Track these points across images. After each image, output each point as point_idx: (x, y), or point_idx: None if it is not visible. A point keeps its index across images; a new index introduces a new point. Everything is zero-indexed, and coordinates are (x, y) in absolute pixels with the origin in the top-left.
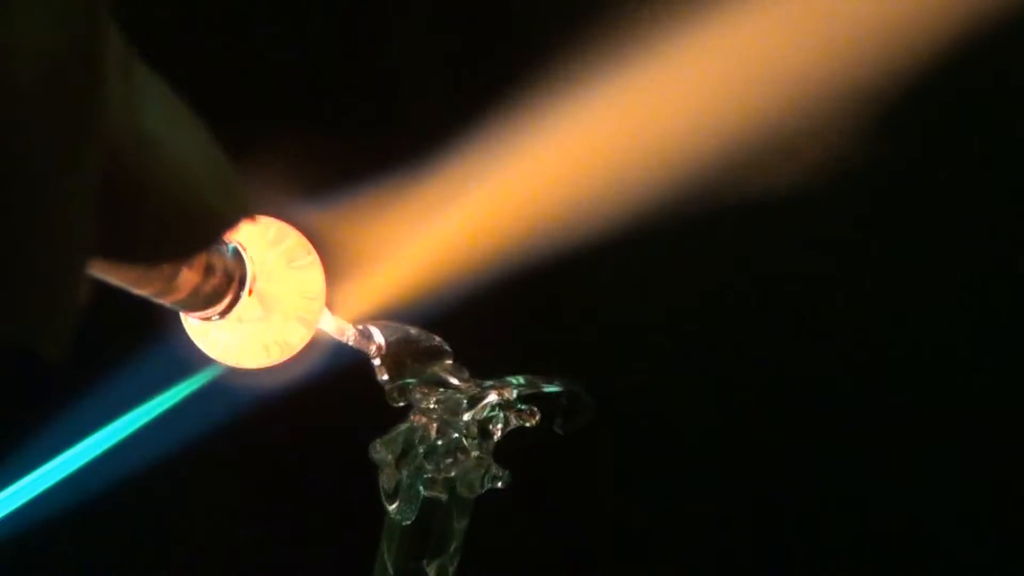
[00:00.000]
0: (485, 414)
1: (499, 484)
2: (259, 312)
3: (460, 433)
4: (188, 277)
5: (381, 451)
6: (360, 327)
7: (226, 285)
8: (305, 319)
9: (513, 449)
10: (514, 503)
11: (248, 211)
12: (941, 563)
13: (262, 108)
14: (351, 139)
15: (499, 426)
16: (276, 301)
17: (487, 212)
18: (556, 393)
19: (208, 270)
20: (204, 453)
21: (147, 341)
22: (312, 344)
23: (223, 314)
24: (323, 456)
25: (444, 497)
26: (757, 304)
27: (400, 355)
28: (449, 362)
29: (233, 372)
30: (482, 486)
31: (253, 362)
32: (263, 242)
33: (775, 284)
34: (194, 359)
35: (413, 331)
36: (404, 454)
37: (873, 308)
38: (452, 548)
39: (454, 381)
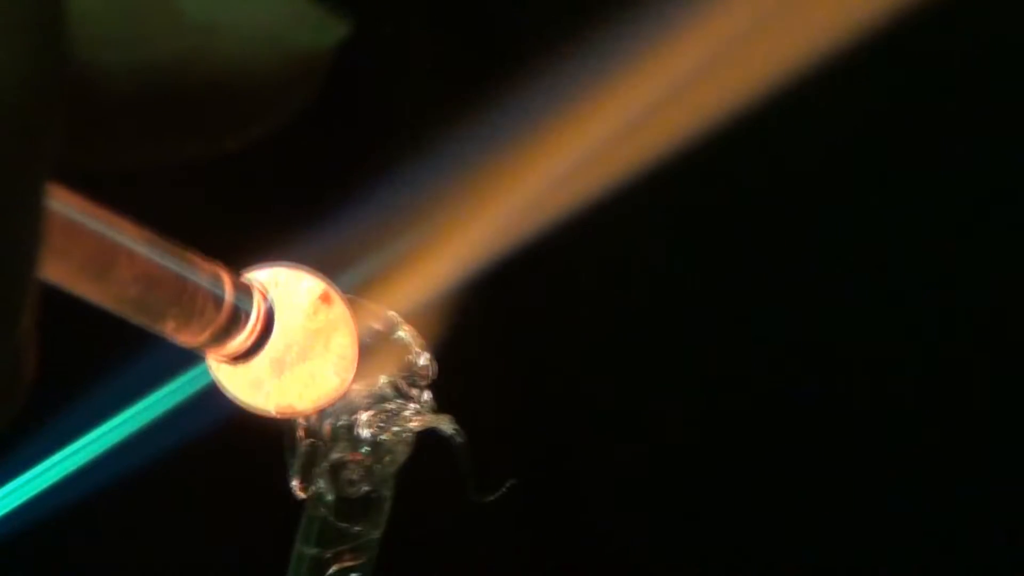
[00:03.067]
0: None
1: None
2: (287, 358)
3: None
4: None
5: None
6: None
7: (239, 321)
8: (335, 375)
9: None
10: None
11: (337, 34)
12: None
13: None
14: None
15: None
16: (303, 352)
17: (487, 215)
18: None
19: (216, 297)
20: (198, 456)
21: (139, 343)
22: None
23: (246, 357)
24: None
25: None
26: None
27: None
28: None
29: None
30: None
31: (276, 409)
32: (288, 290)
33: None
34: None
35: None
36: (309, 470)
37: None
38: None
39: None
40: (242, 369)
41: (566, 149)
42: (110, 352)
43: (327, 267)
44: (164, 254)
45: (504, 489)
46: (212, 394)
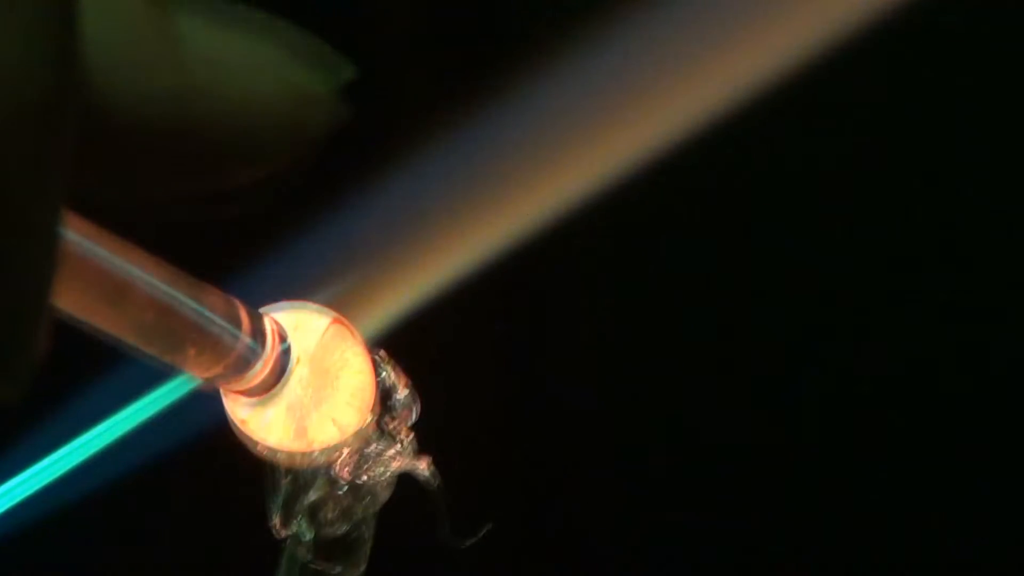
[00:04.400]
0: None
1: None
2: (303, 396)
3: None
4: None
5: (288, 524)
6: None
7: (253, 357)
8: (350, 414)
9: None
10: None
11: (347, 80)
12: None
13: None
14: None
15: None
16: (319, 391)
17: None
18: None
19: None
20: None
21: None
22: None
23: (259, 393)
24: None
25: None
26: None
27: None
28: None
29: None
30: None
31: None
32: (306, 328)
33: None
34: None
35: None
36: (289, 509)
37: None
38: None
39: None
40: (256, 408)
41: (559, 158)
42: (90, 362)
43: (312, 281)
44: (178, 287)
45: (480, 535)
46: (192, 407)
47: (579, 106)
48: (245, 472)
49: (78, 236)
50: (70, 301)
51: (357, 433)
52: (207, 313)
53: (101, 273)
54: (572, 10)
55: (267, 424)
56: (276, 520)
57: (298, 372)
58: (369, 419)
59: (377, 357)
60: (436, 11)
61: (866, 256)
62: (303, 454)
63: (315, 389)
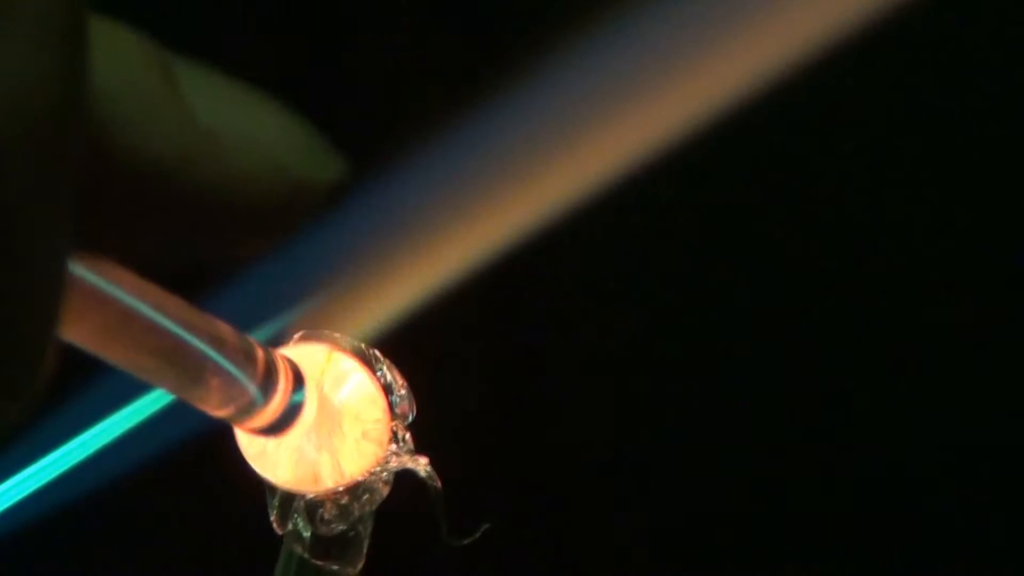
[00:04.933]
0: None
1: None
2: (315, 436)
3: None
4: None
5: (286, 521)
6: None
7: (265, 397)
8: (364, 454)
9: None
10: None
11: (337, 173)
12: None
13: None
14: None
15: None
16: (332, 430)
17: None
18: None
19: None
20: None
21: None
22: None
23: (273, 432)
24: None
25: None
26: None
27: None
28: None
29: None
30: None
31: (303, 487)
32: (320, 366)
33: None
34: None
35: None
36: (287, 507)
37: None
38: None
39: None
40: (270, 446)
41: (557, 158)
42: (87, 362)
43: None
44: (189, 325)
45: (478, 534)
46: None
47: (577, 105)
48: (247, 470)
49: (82, 270)
50: (72, 334)
51: (373, 467)
52: (218, 355)
53: (107, 306)
54: (570, 9)
55: (276, 463)
56: (274, 518)
57: (308, 412)
58: (383, 453)
59: (373, 356)
60: (430, 10)
61: (864, 256)
62: (326, 490)
63: (326, 431)
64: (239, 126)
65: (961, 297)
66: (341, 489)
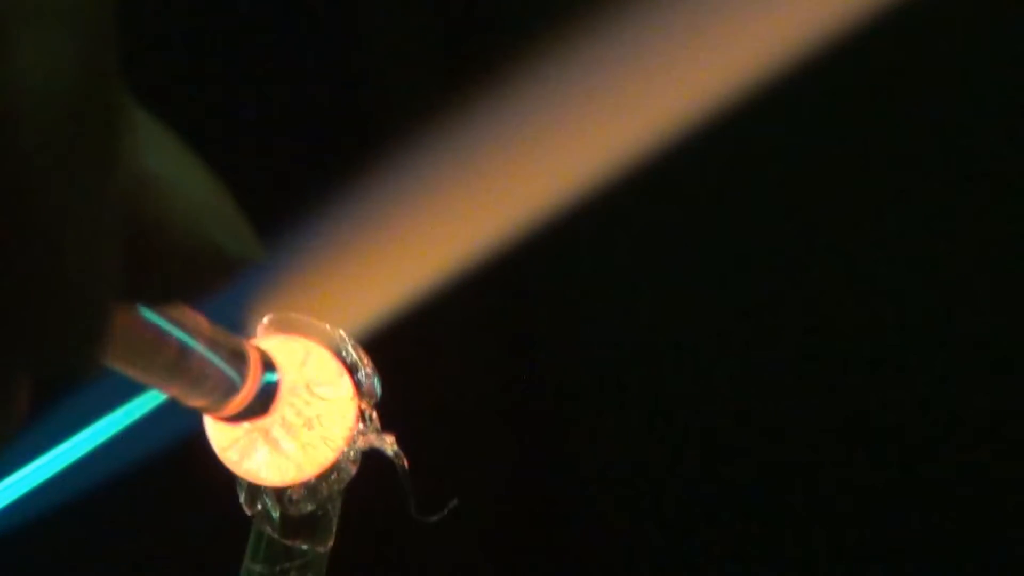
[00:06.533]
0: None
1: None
2: (286, 426)
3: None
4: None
5: (255, 502)
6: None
7: (237, 384)
8: (331, 443)
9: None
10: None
11: (257, 255)
12: None
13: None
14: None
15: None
16: (302, 420)
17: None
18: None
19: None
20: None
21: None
22: None
23: (242, 418)
24: None
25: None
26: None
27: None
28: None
29: None
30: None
31: (271, 478)
32: (292, 360)
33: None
34: None
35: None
36: (256, 487)
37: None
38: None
39: None
40: (235, 437)
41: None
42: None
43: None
44: (166, 312)
45: (446, 511)
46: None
47: (576, 103)
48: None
49: None
50: None
51: (336, 459)
52: (189, 343)
53: None
54: (562, 9)
55: (242, 452)
56: (243, 498)
57: (277, 404)
58: (344, 450)
59: (339, 337)
60: (424, 9)
61: (865, 258)
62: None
63: (293, 422)
64: (177, 181)
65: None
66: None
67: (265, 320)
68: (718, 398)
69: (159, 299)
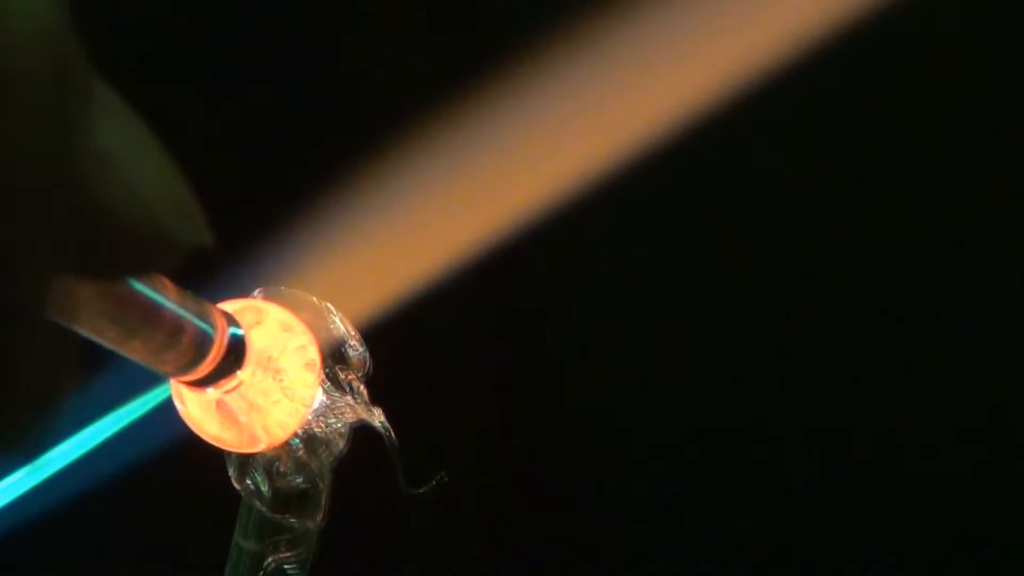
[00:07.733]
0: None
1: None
2: (255, 391)
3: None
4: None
5: (244, 477)
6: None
7: (204, 349)
8: (298, 403)
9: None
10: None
11: (205, 239)
12: None
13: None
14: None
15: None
16: (270, 383)
17: (469, 211)
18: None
19: (180, 318)
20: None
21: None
22: None
23: (208, 383)
24: None
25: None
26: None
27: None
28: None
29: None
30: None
31: (235, 444)
32: (250, 320)
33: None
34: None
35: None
36: (245, 463)
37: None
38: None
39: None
40: (206, 400)
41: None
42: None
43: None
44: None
45: (434, 483)
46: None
47: (569, 98)
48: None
49: None
50: None
51: (302, 424)
52: (158, 298)
53: None
54: (558, 11)
55: (204, 416)
56: (232, 473)
57: (247, 361)
58: (308, 418)
59: (325, 308)
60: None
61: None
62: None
63: (259, 387)
64: (131, 161)
65: None
66: (287, 442)
67: (256, 292)
68: (711, 387)
69: (106, 277)
